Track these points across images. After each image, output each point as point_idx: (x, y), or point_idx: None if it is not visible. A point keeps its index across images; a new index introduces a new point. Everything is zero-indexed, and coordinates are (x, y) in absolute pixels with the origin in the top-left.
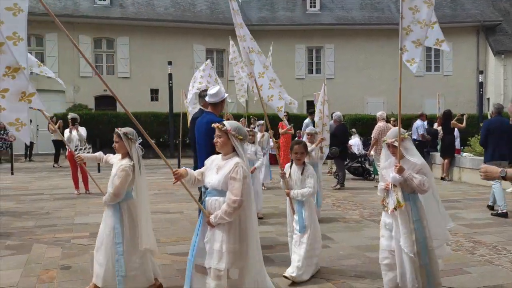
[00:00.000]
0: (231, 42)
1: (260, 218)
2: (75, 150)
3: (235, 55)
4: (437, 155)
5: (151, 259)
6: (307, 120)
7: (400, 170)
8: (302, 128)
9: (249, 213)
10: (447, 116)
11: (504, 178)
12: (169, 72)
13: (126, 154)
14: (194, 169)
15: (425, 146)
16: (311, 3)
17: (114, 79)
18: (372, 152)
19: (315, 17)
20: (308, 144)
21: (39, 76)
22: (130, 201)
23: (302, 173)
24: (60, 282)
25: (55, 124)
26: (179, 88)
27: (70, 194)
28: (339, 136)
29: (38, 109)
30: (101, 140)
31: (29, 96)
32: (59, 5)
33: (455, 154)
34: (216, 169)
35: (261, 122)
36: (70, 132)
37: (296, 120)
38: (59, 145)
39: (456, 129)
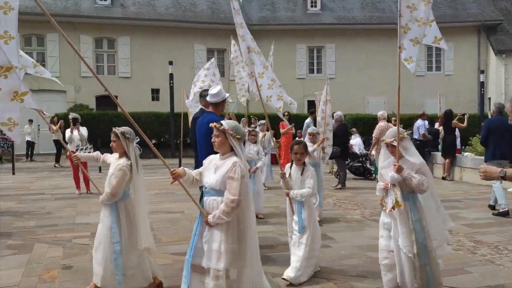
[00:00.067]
0: (233, 42)
1: (261, 218)
2: (76, 150)
3: (236, 55)
4: (438, 155)
5: (149, 258)
6: (308, 120)
7: (399, 170)
8: (303, 128)
9: (248, 212)
10: (448, 116)
11: (504, 178)
12: (170, 72)
13: (124, 154)
14: (195, 169)
15: (426, 146)
16: (312, 2)
17: (115, 79)
18: (373, 152)
19: (316, 17)
20: (310, 144)
21: (40, 76)
22: (127, 201)
23: (302, 174)
24: (61, 282)
25: (56, 124)
26: (180, 88)
27: (71, 194)
28: (340, 135)
29: (35, 109)
30: (102, 140)
31: (21, 95)
32: (60, 5)
33: (456, 154)
34: (214, 168)
35: (263, 121)
36: (71, 132)
37: (297, 120)
38: (61, 145)
39: (456, 128)
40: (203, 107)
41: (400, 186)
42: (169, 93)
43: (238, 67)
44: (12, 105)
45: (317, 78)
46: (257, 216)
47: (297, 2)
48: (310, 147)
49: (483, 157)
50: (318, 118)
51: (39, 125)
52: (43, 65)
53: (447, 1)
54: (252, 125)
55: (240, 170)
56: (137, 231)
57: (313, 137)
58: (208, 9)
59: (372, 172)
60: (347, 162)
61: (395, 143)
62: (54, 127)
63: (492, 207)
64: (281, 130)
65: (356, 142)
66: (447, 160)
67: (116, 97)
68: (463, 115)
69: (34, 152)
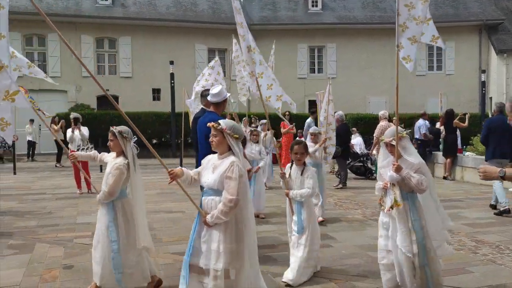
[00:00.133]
0: (234, 41)
1: (262, 218)
2: (77, 149)
3: (237, 54)
4: (439, 154)
5: (148, 257)
6: (309, 120)
7: (398, 169)
8: (304, 128)
9: (246, 212)
10: (450, 116)
11: (503, 178)
12: (171, 71)
13: (121, 153)
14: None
15: (427, 145)
16: (313, 2)
17: (116, 79)
18: (374, 152)
19: (317, 17)
20: (311, 144)
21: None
22: (124, 200)
23: (302, 174)
24: (62, 282)
25: (58, 123)
26: (181, 88)
27: (73, 193)
28: (341, 135)
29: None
30: (103, 139)
31: (12, 94)
32: (61, 5)
33: (457, 154)
34: (212, 168)
35: (264, 121)
36: (73, 131)
37: (298, 120)
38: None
39: (457, 128)
40: (204, 107)
41: (399, 186)
42: (170, 93)
43: (239, 67)
44: (3, 105)
45: (318, 77)
46: (258, 216)
47: (298, 2)
48: (312, 147)
49: (484, 157)
50: (321, 118)
51: (40, 125)
52: (44, 65)
53: (449, 0)
54: (253, 125)
55: (238, 170)
56: (135, 230)
57: (315, 137)
58: (209, 8)
59: (373, 171)
60: (348, 161)
61: (394, 143)
62: (56, 127)
63: (494, 207)
64: (282, 130)
65: (357, 141)
66: (448, 160)
67: (117, 97)
68: (464, 114)
69: (35, 152)
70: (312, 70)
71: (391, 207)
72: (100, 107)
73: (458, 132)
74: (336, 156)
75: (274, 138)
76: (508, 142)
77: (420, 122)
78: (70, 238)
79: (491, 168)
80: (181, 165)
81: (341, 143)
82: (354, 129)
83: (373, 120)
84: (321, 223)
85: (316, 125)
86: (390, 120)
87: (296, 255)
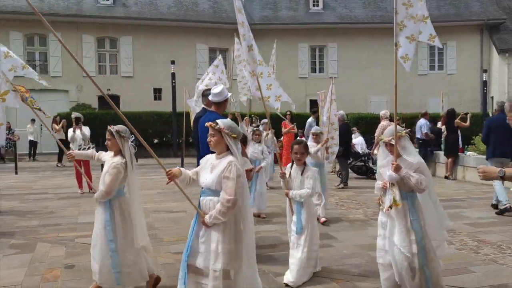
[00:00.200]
0: (236, 40)
1: (263, 217)
2: (79, 149)
3: (239, 53)
4: (440, 154)
5: (145, 256)
6: (310, 119)
7: (397, 169)
8: (306, 127)
9: (245, 212)
10: (451, 115)
11: (503, 178)
12: (172, 71)
13: (119, 152)
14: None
15: (428, 145)
16: (314, 2)
17: (118, 79)
18: (376, 151)
19: (318, 16)
20: (313, 144)
21: (43, 76)
22: (121, 199)
23: (302, 174)
24: (64, 281)
25: (59, 123)
26: (182, 87)
27: (74, 193)
28: (342, 135)
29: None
30: (104, 139)
31: (2, 94)
32: (62, 5)
33: (459, 153)
34: (210, 168)
35: (265, 120)
36: (74, 131)
37: (299, 119)
38: (63, 144)
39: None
40: (205, 106)
41: (398, 185)
42: (171, 92)
43: (240, 66)
44: None
45: (319, 77)
46: (259, 216)
47: (299, 2)
48: (314, 147)
49: (485, 156)
50: (324, 118)
51: (41, 125)
52: (46, 65)
53: (450, 0)
54: (253, 124)
55: (235, 170)
56: (133, 229)
57: (317, 137)
58: (210, 8)
59: (375, 171)
60: (349, 161)
61: (393, 142)
62: (57, 127)
63: (495, 206)
64: (283, 130)
65: (358, 141)
66: (450, 159)
67: (119, 96)
68: (466, 114)
69: (37, 152)
70: (313, 70)
71: (390, 207)
72: (102, 107)
73: (458, 132)
74: (338, 156)
75: (274, 137)
76: (508, 142)
77: (422, 121)
78: (71, 237)
79: (491, 168)
80: (182, 165)
81: (342, 142)
82: (354, 128)
83: (374, 120)
84: (323, 223)
85: (318, 124)
86: (391, 119)
87: (295, 256)
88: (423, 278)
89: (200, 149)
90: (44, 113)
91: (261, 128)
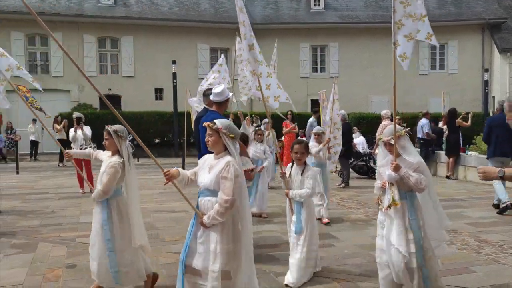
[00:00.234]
0: (238, 39)
1: (264, 217)
2: (80, 149)
3: (240, 53)
4: (442, 154)
5: (143, 256)
6: (311, 119)
7: (396, 168)
8: (307, 127)
9: (243, 212)
10: (452, 115)
11: (502, 178)
12: (173, 71)
13: (116, 151)
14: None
15: (430, 145)
16: (315, 1)
17: (119, 78)
18: (377, 151)
19: (319, 16)
20: (315, 144)
21: (44, 76)
22: (119, 198)
23: (302, 174)
24: (65, 281)
25: (60, 123)
26: (183, 87)
27: (75, 193)
28: (344, 134)
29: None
30: None
31: None
32: (63, 4)
33: (460, 153)
34: (208, 168)
35: (266, 120)
36: (75, 131)
37: (300, 119)
38: (64, 144)
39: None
40: (206, 106)
41: (398, 185)
42: (173, 92)
43: (241, 66)
44: None
45: (321, 77)
46: (261, 216)
47: (300, 1)
48: (316, 147)
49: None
50: (327, 118)
51: (44, 125)
52: (47, 65)
53: None
54: (254, 124)
55: (233, 170)
56: (131, 229)
57: (319, 137)
58: (211, 8)
59: (376, 171)
60: (350, 161)
61: (392, 141)
62: (58, 127)
63: (497, 206)
64: (284, 130)
65: (359, 141)
66: (451, 159)
67: (120, 96)
68: (467, 114)
69: (38, 152)
70: (315, 70)
71: (389, 206)
72: (103, 106)
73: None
74: (339, 156)
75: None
76: (508, 141)
77: (423, 121)
78: (73, 237)
79: (491, 168)
80: (183, 164)
81: (344, 142)
82: (354, 128)
83: (376, 120)
84: (326, 224)
85: (319, 124)
86: (392, 119)
87: (295, 256)
88: (421, 278)
89: (201, 149)
90: (44, 113)
91: (262, 127)
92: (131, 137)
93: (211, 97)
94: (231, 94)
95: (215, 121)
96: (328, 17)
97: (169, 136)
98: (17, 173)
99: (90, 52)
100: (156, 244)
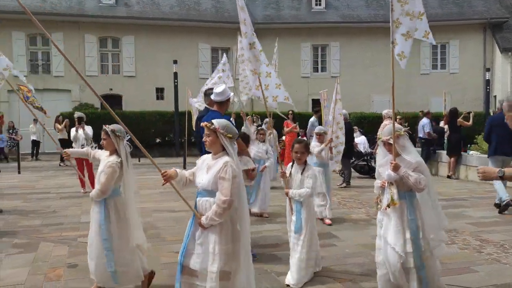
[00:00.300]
0: (239, 39)
1: (266, 217)
2: (81, 148)
3: (242, 52)
4: (443, 153)
5: (140, 255)
6: (312, 119)
7: (396, 168)
8: (308, 127)
9: (241, 213)
10: (453, 114)
11: (502, 178)
12: (174, 71)
13: (114, 151)
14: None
15: (431, 144)
16: (316, 1)
17: (120, 78)
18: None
19: (321, 15)
20: (317, 144)
21: (45, 75)
22: (117, 198)
23: (302, 173)
24: (67, 281)
25: (62, 123)
26: (185, 87)
27: (77, 192)
28: (345, 134)
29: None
30: None
31: None
32: (64, 4)
33: (462, 152)
34: (206, 168)
35: (267, 120)
36: (76, 131)
37: (301, 119)
38: (66, 144)
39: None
40: (207, 106)
41: (397, 185)
42: (174, 92)
43: (243, 65)
44: None
45: (322, 76)
46: (262, 215)
47: (301, 1)
48: (318, 147)
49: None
50: (330, 117)
51: (44, 124)
52: (48, 65)
53: None
54: (255, 124)
55: (231, 170)
56: (129, 228)
57: (321, 136)
58: (212, 7)
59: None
60: (352, 160)
61: (391, 141)
62: (60, 126)
63: (498, 206)
64: (285, 129)
65: (361, 140)
66: (452, 159)
67: (121, 96)
68: (468, 113)
69: (40, 151)
70: (316, 69)
71: (388, 206)
72: (104, 106)
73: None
74: None
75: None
76: (509, 140)
77: (424, 121)
78: (74, 237)
79: (490, 168)
80: (184, 164)
81: (345, 142)
82: (355, 127)
83: (377, 119)
84: (328, 224)
85: (320, 124)
86: None
87: (295, 256)
88: (419, 278)
89: (202, 149)
90: (45, 112)
91: (264, 127)
92: (129, 137)
93: (212, 97)
94: (232, 93)
95: (212, 121)
96: (329, 17)
97: (170, 135)
98: (19, 172)
99: (91, 52)
100: (157, 244)
